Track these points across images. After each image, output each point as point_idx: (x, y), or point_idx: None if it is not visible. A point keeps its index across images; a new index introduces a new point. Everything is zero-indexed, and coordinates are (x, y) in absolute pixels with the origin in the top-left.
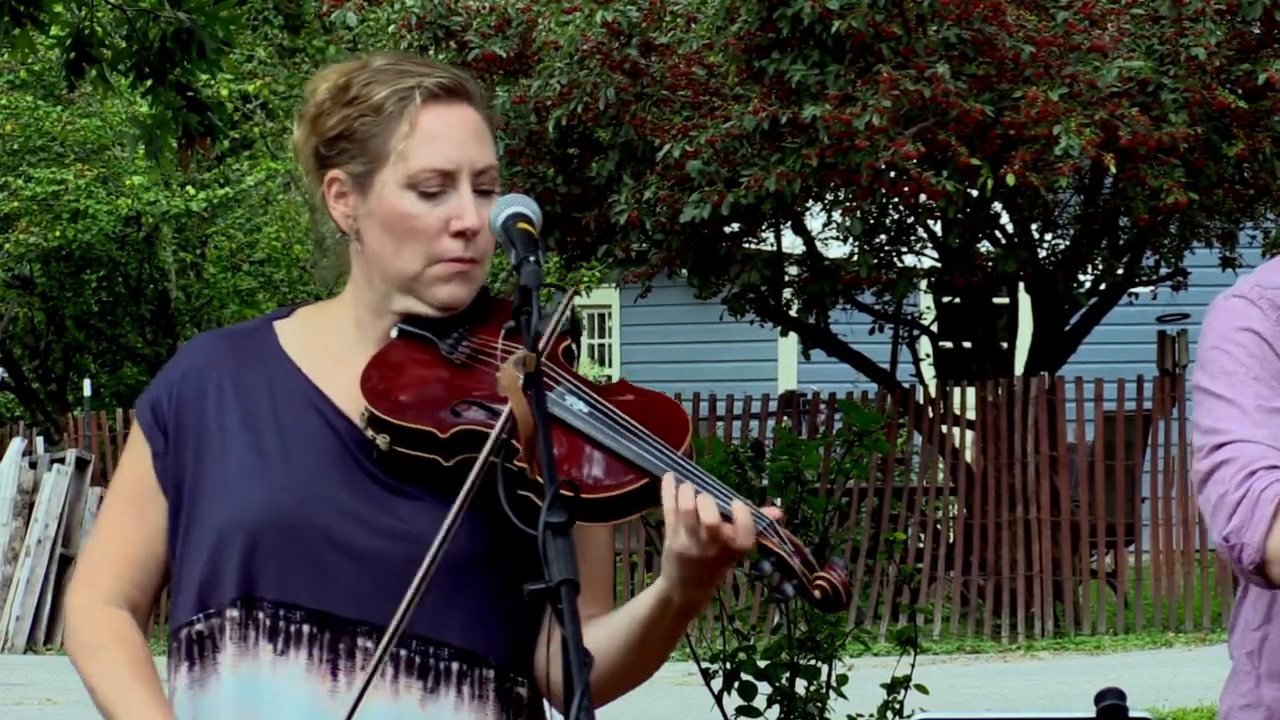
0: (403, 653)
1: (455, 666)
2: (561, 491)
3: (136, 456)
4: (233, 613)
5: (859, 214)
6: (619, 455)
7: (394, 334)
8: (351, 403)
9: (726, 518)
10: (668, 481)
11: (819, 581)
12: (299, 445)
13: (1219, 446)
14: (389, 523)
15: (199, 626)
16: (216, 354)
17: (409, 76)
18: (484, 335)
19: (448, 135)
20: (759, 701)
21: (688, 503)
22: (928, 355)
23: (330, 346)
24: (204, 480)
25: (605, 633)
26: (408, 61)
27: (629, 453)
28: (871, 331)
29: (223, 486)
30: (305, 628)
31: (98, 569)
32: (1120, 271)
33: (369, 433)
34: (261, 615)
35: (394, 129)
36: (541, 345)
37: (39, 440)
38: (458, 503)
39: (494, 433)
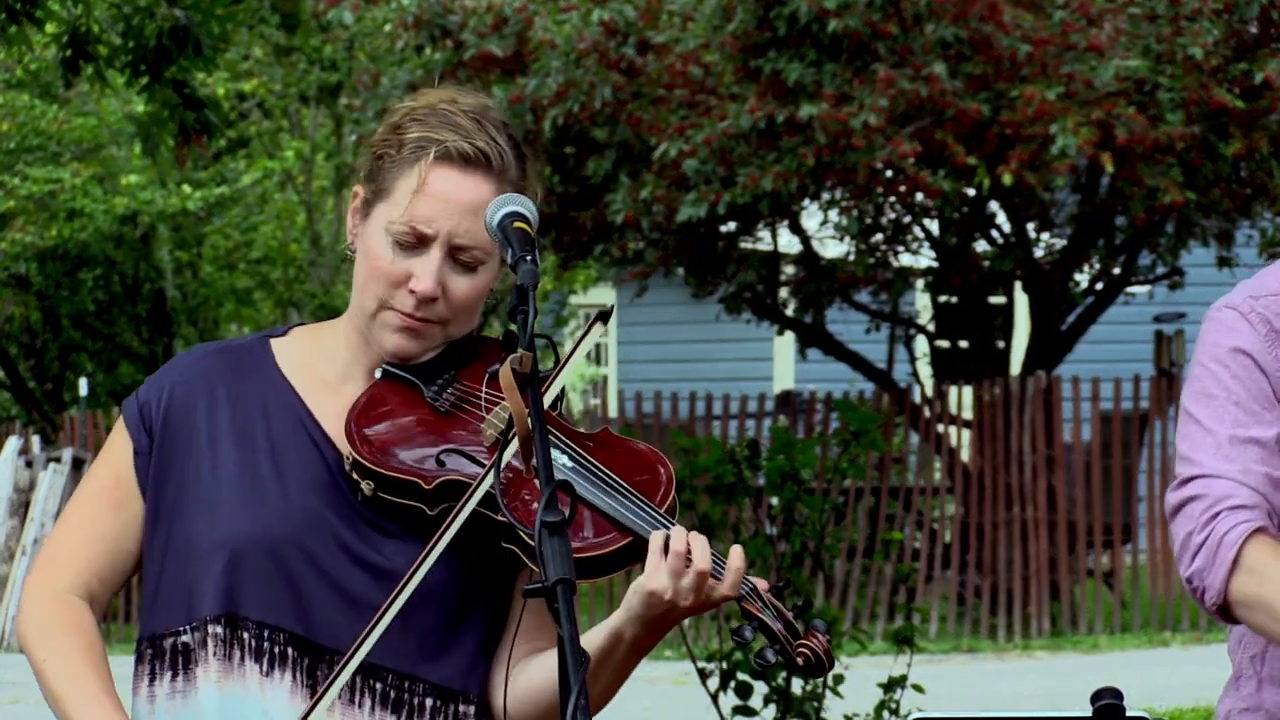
0: (378, 686)
1: (430, 702)
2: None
3: (117, 453)
4: (216, 629)
5: (855, 213)
6: (602, 513)
7: (378, 374)
8: (341, 433)
9: (716, 574)
10: (656, 537)
11: (801, 648)
12: (290, 470)
13: (1189, 480)
14: (373, 558)
15: (185, 638)
16: (211, 368)
17: (448, 129)
18: (469, 381)
19: (441, 200)
20: (755, 701)
21: (680, 545)
22: (924, 354)
23: (324, 371)
24: (192, 494)
25: (531, 680)
26: (472, 119)
27: (613, 510)
28: (868, 331)
29: (213, 504)
30: (289, 650)
31: (63, 557)
32: (1117, 271)
33: (354, 475)
34: (246, 635)
35: (401, 173)
36: (545, 389)
37: (35, 439)
38: (430, 548)
39: (476, 483)
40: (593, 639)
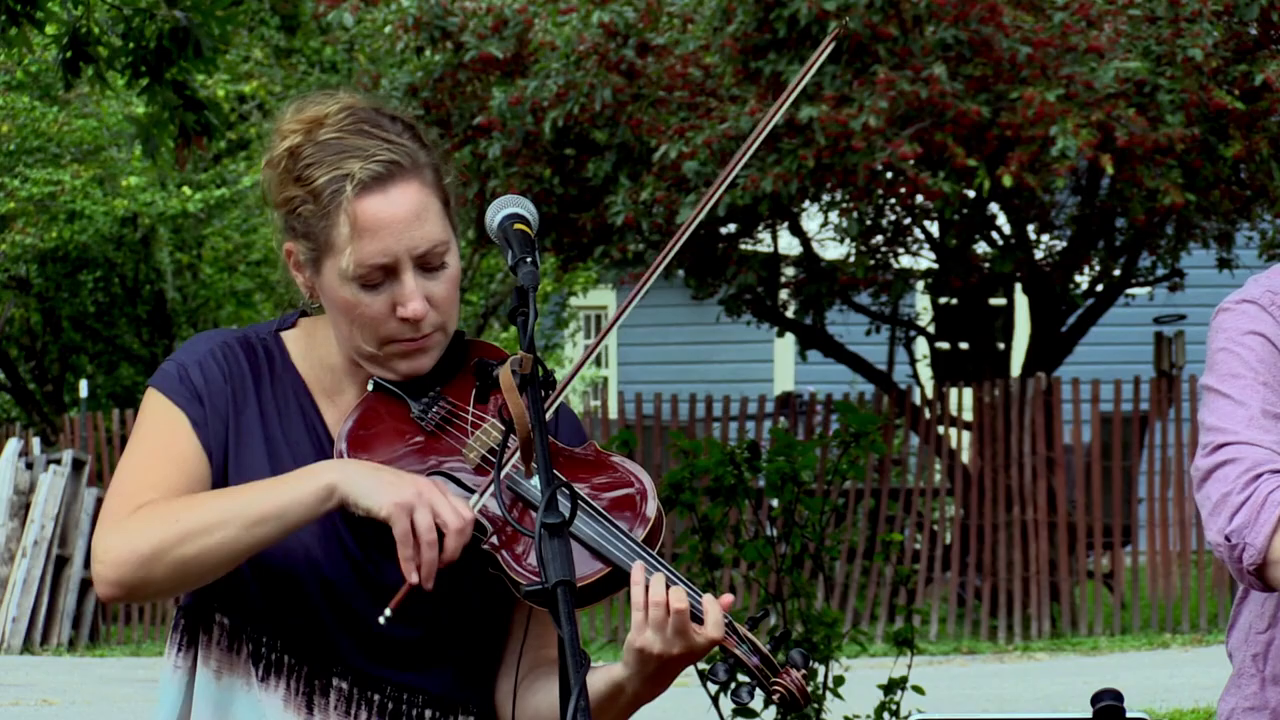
0: (376, 697)
1: (429, 714)
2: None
3: (170, 423)
4: (222, 618)
5: (856, 215)
6: (582, 543)
7: (370, 386)
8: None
9: (696, 613)
10: (637, 572)
11: (776, 686)
12: None
13: (1222, 446)
14: (375, 577)
15: (218, 616)
16: (236, 360)
17: (348, 158)
18: (454, 398)
19: (383, 227)
20: (756, 702)
21: (658, 594)
22: (924, 356)
23: (325, 378)
24: (230, 484)
25: (552, 705)
26: (356, 131)
27: (593, 541)
28: (868, 332)
29: None
30: (286, 658)
31: (135, 489)
32: (1117, 272)
33: None
34: (244, 637)
35: (331, 222)
36: (547, 405)
37: (35, 441)
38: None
39: (480, 492)
40: (594, 683)
